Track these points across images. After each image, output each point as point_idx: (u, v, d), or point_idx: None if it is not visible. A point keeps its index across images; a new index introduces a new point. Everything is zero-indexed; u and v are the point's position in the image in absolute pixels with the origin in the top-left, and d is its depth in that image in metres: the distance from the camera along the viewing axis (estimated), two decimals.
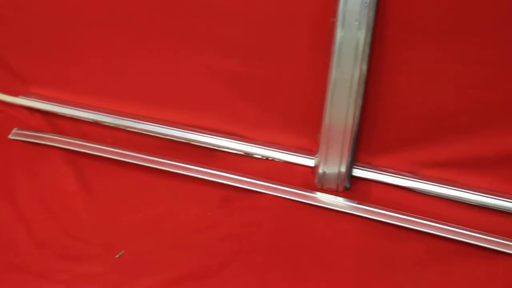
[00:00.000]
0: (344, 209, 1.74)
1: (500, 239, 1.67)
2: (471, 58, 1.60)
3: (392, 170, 1.81)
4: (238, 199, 1.78)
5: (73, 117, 1.96)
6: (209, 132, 1.90)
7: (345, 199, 1.77)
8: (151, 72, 1.88)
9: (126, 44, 1.85)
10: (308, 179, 1.83)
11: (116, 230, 1.70)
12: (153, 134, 1.92)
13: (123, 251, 1.64)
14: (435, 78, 1.65)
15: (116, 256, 1.63)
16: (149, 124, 1.92)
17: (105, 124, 1.95)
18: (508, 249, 1.65)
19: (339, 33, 1.57)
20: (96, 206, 1.76)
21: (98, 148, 1.87)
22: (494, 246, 1.66)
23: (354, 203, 1.76)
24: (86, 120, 1.96)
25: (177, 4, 1.74)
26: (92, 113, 1.95)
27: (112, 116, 1.94)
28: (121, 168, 1.85)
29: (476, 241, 1.67)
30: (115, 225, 1.71)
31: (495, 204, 1.73)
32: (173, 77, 1.87)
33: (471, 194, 1.75)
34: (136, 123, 1.93)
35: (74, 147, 1.88)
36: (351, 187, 1.82)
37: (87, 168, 1.86)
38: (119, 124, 1.93)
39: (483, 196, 1.74)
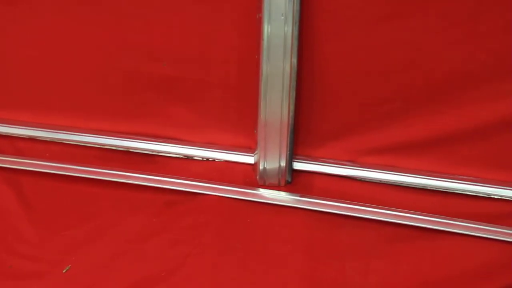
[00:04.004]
0: (287, 203, 1.75)
1: (443, 219, 1.69)
2: (398, 43, 1.62)
3: (332, 160, 1.82)
4: (182, 202, 1.78)
5: (7, 134, 1.93)
6: (146, 138, 1.89)
7: (287, 193, 1.78)
8: (83, 83, 1.85)
9: (54, 56, 1.82)
10: (250, 176, 1.83)
11: (61, 244, 1.68)
12: (90, 145, 1.90)
13: (70, 265, 1.62)
14: (365, 66, 1.66)
15: (63, 271, 1.61)
16: (86, 135, 1.90)
17: (41, 139, 1.92)
18: (451, 228, 1.68)
19: (266, 29, 1.57)
20: (39, 222, 1.74)
21: (36, 164, 1.84)
22: (438, 227, 1.69)
23: (297, 196, 1.77)
24: (20, 136, 1.92)
25: (102, 11, 1.73)
26: (27, 129, 1.91)
27: (47, 130, 1.91)
28: (61, 182, 1.83)
29: (420, 223, 1.70)
30: (60, 240, 1.69)
31: (434, 185, 1.76)
32: (105, 86, 1.84)
33: (411, 177, 1.77)
34: (72, 135, 1.90)
35: (11, 164, 1.85)
36: (293, 181, 1.82)
37: (26, 185, 1.83)
38: (55, 138, 1.91)
39: (422, 178, 1.77)
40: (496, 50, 1.59)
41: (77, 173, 1.82)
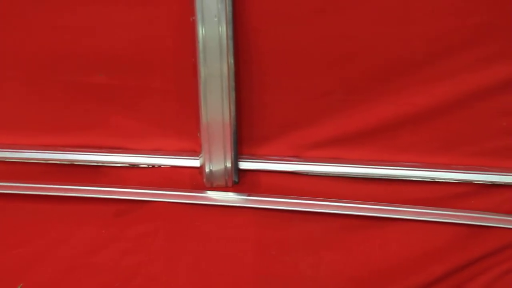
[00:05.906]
0: (236, 203, 1.76)
1: (389, 207, 1.72)
2: (333, 36, 1.63)
3: (277, 157, 1.82)
4: (130, 211, 1.77)
5: None
6: (90, 150, 1.86)
7: (235, 193, 1.79)
8: (20, 98, 1.81)
9: None
10: (197, 179, 1.82)
11: (10, 264, 1.67)
12: (33, 161, 1.86)
13: (21, 284, 1.60)
14: (302, 61, 1.67)
15: None
16: (28, 151, 1.85)
17: None
18: (398, 215, 1.71)
19: (200, 31, 1.57)
20: None
21: None
22: (386, 214, 1.71)
23: (245, 195, 1.77)
24: None
25: (35, 25, 1.69)
26: None
27: None
28: (6, 201, 1.80)
29: (368, 212, 1.72)
30: (9, 260, 1.68)
31: (379, 174, 1.77)
32: (44, 99, 1.80)
33: (356, 168, 1.78)
34: (14, 153, 1.86)
35: None
36: (240, 181, 1.82)
37: None
38: None
39: (366, 167, 1.78)
40: (428, 35, 1.61)
41: (22, 191, 1.80)
